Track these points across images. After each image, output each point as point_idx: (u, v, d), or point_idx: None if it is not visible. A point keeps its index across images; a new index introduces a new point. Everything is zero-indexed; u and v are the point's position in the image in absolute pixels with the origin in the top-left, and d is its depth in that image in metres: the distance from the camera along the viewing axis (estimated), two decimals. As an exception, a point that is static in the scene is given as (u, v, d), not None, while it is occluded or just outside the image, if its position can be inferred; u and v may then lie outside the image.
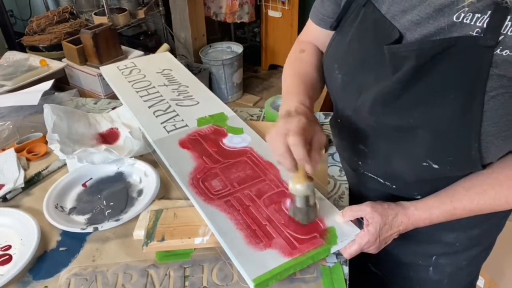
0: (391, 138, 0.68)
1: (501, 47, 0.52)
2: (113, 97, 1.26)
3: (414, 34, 0.59)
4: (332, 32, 0.76)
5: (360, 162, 0.79)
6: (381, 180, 0.77)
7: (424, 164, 0.64)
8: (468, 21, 0.54)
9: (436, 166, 0.63)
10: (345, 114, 0.75)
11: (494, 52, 0.53)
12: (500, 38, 0.52)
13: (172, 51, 2.99)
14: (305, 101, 0.69)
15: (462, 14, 0.54)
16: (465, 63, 0.55)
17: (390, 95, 0.61)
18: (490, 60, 0.53)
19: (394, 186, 0.76)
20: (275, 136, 0.62)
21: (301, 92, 0.72)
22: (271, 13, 3.15)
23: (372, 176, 0.78)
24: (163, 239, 0.73)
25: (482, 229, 0.81)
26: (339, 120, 0.80)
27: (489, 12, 0.52)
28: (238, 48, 3.08)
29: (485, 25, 0.52)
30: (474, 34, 0.54)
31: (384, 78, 0.62)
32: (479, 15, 0.53)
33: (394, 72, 0.60)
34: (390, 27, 0.61)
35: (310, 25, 0.83)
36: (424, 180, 0.69)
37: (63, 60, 2.49)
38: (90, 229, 0.78)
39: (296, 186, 0.65)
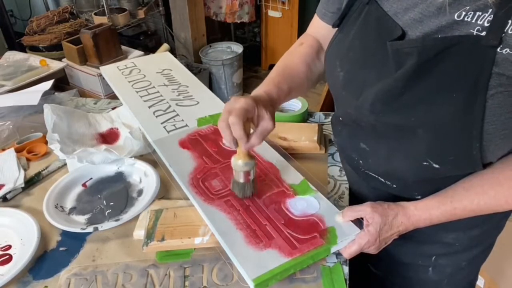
0: (391, 137, 0.68)
1: (501, 46, 0.52)
2: (113, 97, 1.26)
3: (415, 32, 0.59)
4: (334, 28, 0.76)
5: (361, 161, 0.78)
6: (382, 180, 0.77)
7: (425, 163, 0.64)
8: (469, 19, 0.54)
9: (436, 166, 0.63)
10: (346, 112, 0.75)
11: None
12: (501, 36, 0.52)
13: (172, 51, 2.99)
14: (271, 90, 0.74)
15: (463, 13, 0.54)
16: (468, 62, 0.55)
17: (392, 93, 0.61)
18: (492, 59, 0.53)
19: (394, 186, 0.76)
20: (222, 112, 0.67)
21: (274, 83, 0.76)
22: (271, 13, 3.14)
23: (373, 175, 0.78)
24: (163, 239, 0.73)
25: (482, 229, 0.81)
26: (340, 119, 0.80)
27: (490, 10, 0.52)
28: (238, 48, 3.08)
29: (485, 23, 0.53)
30: (475, 32, 0.54)
31: (386, 75, 0.62)
32: (480, 13, 0.53)
33: (397, 69, 0.60)
34: (393, 24, 0.62)
35: (315, 18, 0.86)
36: (424, 180, 0.69)
37: (63, 60, 2.49)
38: (90, 229, 0.78)
39: (237, 161, 0.71)
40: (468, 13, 0.54)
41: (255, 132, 0.68)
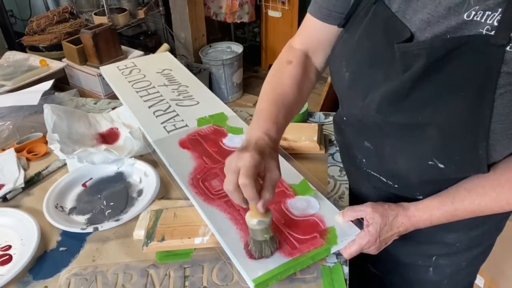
0: (397, 136, 0.67)
1: (510, 45, 0.52)
2: (113, 97, 1.26)
3: (424, 33, 0.59)
4: (336, 29, 0.74)
5: (364, 160, 0.78)
6: (384, 179, 0.77)
7: (430, 163, 0.63)
8: (478, 19, 0.54)
9: (441, 166, 0.63)
10: (351, 112, 0.75)
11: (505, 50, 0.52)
12: (510, 35, 0.52)
13: (172, 51, 2.99)
14: (271, 130, 0.68)
15: (473, 12, 0.54)
16: (476, 62, 0.54)
17: (399, 94, 0.61)
18: (501, 58, 0.52)
19: (396, 186, 0.76)
20: (227, 172, 0.61)
21: (272, 119, 0.70)
22: (271, 13, 3.14)
23: (375, 174, 0.78)
24: (163, 239, 0.73)
25: (483, 229, 0.81)
26: (344, 118, 0.80)
27: (500, 9, 0.52)
28: (238, 48, 3.08)
29: (495, 23, 0.52)
30: (484, 32, 0.53)
31: (393, 76, 0.62)
32: (490, 13, 0.53)
33: (404, 70, 0.60)
34: (401, 25, 0.61)
35: (310, 21, 0.79)
36: (427, 181, 0.69)
37: (63, 60, 2.49)
38: (90, 229, 0.78)
39: (251, 220, 0.64)
40: (478, 13, 0.53)
41: (265, 186, 0.62)
